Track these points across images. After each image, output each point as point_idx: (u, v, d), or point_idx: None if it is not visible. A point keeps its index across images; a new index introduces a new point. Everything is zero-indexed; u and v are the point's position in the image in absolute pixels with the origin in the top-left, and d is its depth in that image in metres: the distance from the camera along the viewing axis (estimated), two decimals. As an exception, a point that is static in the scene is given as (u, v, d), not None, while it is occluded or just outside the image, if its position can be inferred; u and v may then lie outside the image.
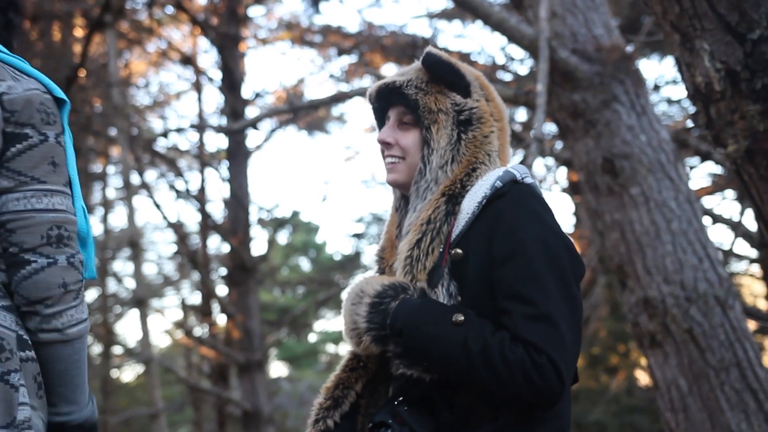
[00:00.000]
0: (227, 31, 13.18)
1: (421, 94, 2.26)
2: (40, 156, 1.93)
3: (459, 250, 2.12)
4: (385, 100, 2.33)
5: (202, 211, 14.09)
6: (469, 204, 2.15)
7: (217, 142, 20.57)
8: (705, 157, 8.70)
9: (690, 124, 9.08)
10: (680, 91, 11.90)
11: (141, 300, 11.39)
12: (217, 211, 15.31)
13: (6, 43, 2.08)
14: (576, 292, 2.08)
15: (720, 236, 20.78)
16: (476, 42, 18.11)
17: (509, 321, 2.02)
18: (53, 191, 1.94)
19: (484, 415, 2.06)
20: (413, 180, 2.27)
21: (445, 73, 2.26)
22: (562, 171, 10.77)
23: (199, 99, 14.97)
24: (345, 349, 2.38)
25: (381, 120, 2.40)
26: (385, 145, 2.31)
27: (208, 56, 20.67)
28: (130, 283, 15.83)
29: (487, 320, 2.05)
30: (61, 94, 2.02)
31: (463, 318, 2.03)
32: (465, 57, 10.85)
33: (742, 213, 9.08)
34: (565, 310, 2.02)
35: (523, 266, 2.04)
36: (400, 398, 2.15)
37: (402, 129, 2.30)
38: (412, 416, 2.10)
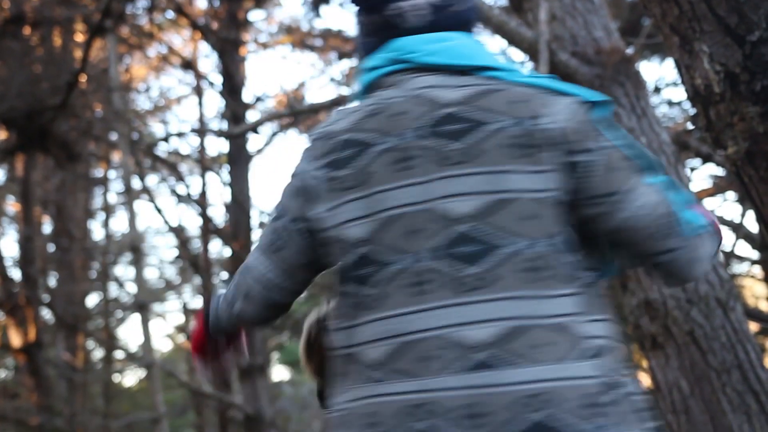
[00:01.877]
0: (228, 36, 13.18)
1: None
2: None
3: None
4: None
5: (204, 215, 14.10)
6: None
7: (218, 146, 20.68)
8: (706, 159, 8.70)
9: (691, 126, 9.08)
10: (681, 93, 11.92)
11: (142, 304, 11.39)
12: (219, 215, 15.38)
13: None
14: None
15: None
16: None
17: None
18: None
19: None
20: None
21: None
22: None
23: (200, 103, 15.03)
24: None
25: None
26: None
27: (208, 61, 20.75)
28: (132, 288, 15.86)
29: None
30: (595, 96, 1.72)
31: None
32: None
33: (743, 215, 9.08)
34: None
35: None
36: None
37: None
38: None
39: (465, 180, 1.55)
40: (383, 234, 1.57)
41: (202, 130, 14.64)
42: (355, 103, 1.71)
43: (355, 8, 1.75)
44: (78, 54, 10.64)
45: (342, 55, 13.00)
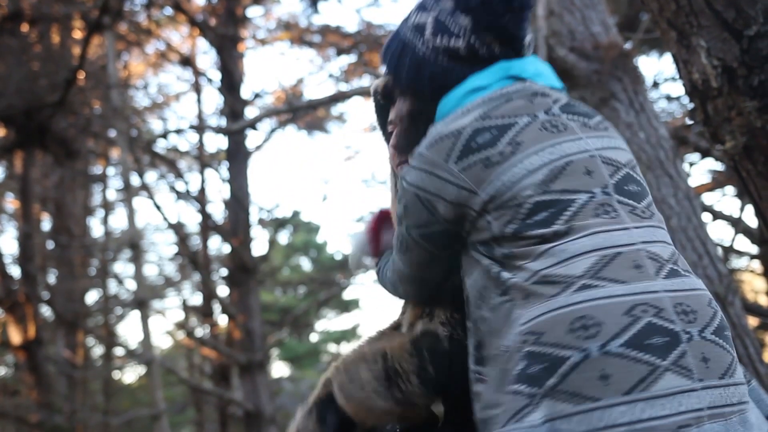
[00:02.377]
0: (226, 32, 13.18)
1: None
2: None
3: None
4: (392, 96, 2.23)
5: (203, 212, 14.10)
6: None
7: (216, 142, 20.62)
8: (705, 153, 8.70)
9: (689, 120, 9.08)
10: (679, 88, 11.90)
11: (142, 301, 11.39)
12: (218, 211, 15.34)
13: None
14: None
15: (720, 233, 20.80)
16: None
17: None
18: None
19: None
20: None
21: None
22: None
23: (199, 100, 14.99)
24: (346, 348, 2.37)
25: (382, 120, 2.33)
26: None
27: (206, 57, 20.75)
28: (131, 285, 15.85)
29: None
30: None
31: None
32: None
33: (742, 209, 9.07)
34: None
35: None
36: None
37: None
38: None
39: (609, 140, 1.93)
40: (554, 182, 1.80)
41: (200, 127, 14.63)
42: (467, 106, 1.91)
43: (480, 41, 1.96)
44: (76, 51, 10.64)
45: (340, 51, 12.99)
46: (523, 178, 1.79)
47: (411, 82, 2.00)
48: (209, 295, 15.00)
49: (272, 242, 16.75)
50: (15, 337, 12.25)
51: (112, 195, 17.19)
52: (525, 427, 1.62)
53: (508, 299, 1.75)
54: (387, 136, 2.24)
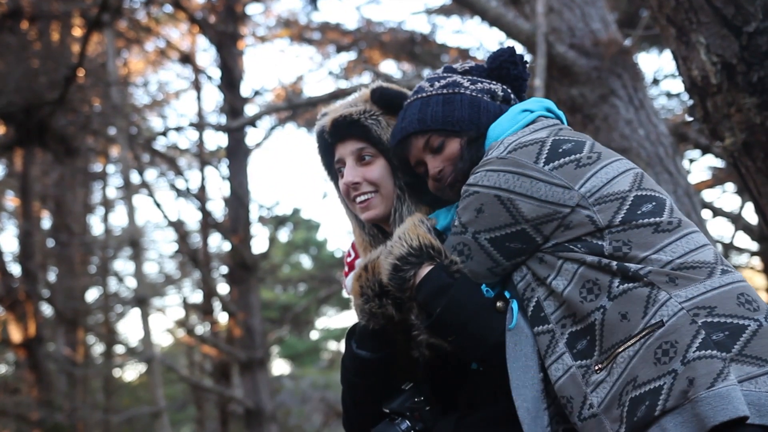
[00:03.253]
0: (225, 29, 13.17)
1: (382, 125, 2.29)
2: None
3: None
4: (342, 133, 2.31)
5: (203, 209, 14.10)
6: None
7: (216, 140, 20.64)
8: (705, 150, 8.70)
9: (689, 117, 9.07)
10: (679, 85, 11.90)
11: (142, 299, 11.40)
12: (218, 209, 15.35)
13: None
14: None
15: (720, 229, 20.78)
16: (474, 37, 18.06)
17: None
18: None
19: (486, 399, 2.11)
20: (393, 208, 2.29)
21: (400, 103, 2.31)
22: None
23: (198, 97, 14.99)
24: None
25: (327, 160, 2.41)
26: (354, 185, 2.29)
27: (206, 54, 20.73)
28: (132, 283, 15.86)
29: None
30: None
31: (504, 306, 2.06)
32: (464, 53, 10.85)
33: (742, 206, 9.08)
34: None
35: None
36: (420, 392, 2.19)
37: (364, 164, 2.30)
38: (431, 415, 2.16)
39: None
40: (642, 183, 2.04)
41: (200, 124, 14.63)
42: (533, 127, 2.19)
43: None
44: (76, 48, 10.64)
45: (340, 49, 12.98)
46: (617, 176, 2.02)
47: (471, 117, 2.22)
48: (209, 292, 15.00)
49: (272, 240, 16.75)
50: (15, 335, 12.27)
51: (112, 193, 17.20)
52: (731, 385, 1.76)
53: (642, 285, 1.91)
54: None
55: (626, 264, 1.93)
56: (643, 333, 1.87)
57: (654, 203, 2.00)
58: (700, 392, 1.76)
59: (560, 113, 2.31)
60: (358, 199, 2.30)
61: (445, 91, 2.26)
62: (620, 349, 1.89)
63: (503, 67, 2.32)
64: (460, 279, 2.07)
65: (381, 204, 2.29)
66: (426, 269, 2.09)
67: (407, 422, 2.15)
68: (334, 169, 2.40)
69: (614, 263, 1.93)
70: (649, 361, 1.85)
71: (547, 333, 1.99)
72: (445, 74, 2.33)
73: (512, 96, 2.31)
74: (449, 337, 2.07)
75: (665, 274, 1.91)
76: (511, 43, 2.15)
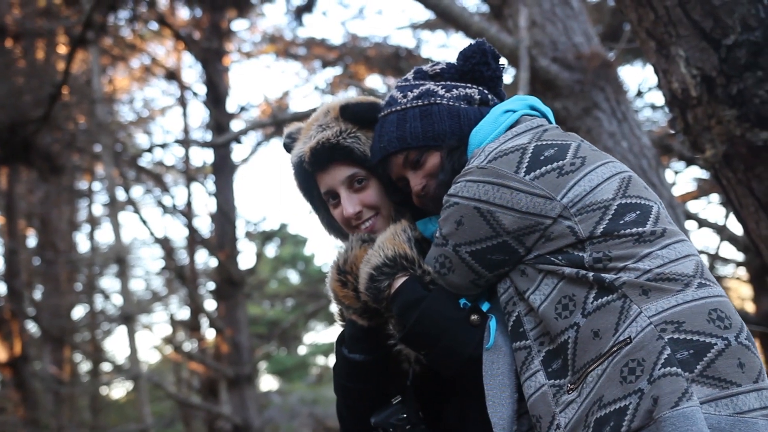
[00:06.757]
0: (211, 46, 13.18)
1: (362, 141, 2.23)
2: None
3: None
4: (323, 160, 2.24)
5: (189, 226, 14.07)
6: None
7: (202, 156, 20.63)
8: (690, 162, 8.75)
9: (672, 129, 9.12)
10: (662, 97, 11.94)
11: (129, 316, 11.35)
12: (204, 225, 15.38)
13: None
14: None
15: (706, 240, 20.87)
16: (458, 52, 18.09)
17: None
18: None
19: (476, 418, 2.07)
20: (393, 221, 2.25)
21: (374, 116, 2.25)
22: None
23: (184, 114, 14.98)
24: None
25: (308, 191, 2.36)
26: (356, 216, 2.24)
27: (192, 71, 20.72)
28: (118, 300, 15.76)
29: None
30: None
31: (479, 319, 2.04)
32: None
33: (726, 217, 9.13)
34: None
35: None
36: (405, 409, 2.17)
37: (358, 190, 2.24)
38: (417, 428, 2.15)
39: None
40: (628, 189, 1.97)
41: (186, 141, 14.62)
42: (515, 131, 2.11)
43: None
44: (60, 66, 10.62)
45: (326, 64, 13.02)
46: (601, 183, 1.95)
47: (452, 128, 2.15)
48: (196, 309, 14.95)
49: (259, 255, 16.73)
50: (1, 354, 12.18)
51: (98, 210, 17.14)
52: (695, 406, 1.71)
53: (615, 297, 1.86)
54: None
55: (602, 275, 1.87)
56: (612, 351, 1.82)
57: (638, 212, 1.93)
58: (664, 411, 1.72)
59: (546, 110, 2.23)
60: (362, 227, 2.25)
61: (420, 102, 2.18)
62: (591, 368, 1.84)
63: (476, 70, 2.25)
64: (434, 291, 2.05)
65: (384, 224, 2.24)
66: (400, 280, 2.07)
67: None
68: (316, 199, 2.36)
69: (591, 274, 1.88)
70: (615, 380, 1.80)
71: (524, 349, 1.96)
72: (416, 81, 2.25)
73: (489, 96, 2.23)
74: (422, 351, 2.06)
75: (639, 286, 1.85)
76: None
